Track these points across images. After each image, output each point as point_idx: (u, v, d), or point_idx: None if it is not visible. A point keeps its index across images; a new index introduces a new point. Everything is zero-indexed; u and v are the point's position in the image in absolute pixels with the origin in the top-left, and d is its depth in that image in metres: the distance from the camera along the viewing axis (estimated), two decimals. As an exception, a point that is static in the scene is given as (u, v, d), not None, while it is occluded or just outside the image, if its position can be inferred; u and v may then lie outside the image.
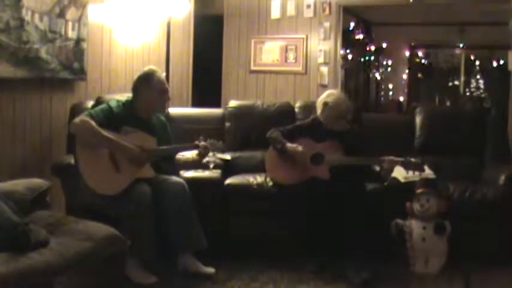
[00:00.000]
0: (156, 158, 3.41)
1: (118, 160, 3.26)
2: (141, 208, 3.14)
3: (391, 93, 11.20)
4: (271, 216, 3.70)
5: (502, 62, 9.99)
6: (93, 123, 3.22)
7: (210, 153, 3.49)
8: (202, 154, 3.47)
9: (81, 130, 3.24)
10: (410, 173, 3.50)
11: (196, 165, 3.68)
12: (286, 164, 3.67)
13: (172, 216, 3.24)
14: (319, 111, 3.80)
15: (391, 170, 3.54)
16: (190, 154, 3.64)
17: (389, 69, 11.15)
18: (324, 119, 3.77)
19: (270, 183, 3.73)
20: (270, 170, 3.74)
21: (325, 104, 3.75)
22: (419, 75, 11.38)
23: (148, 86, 3.41)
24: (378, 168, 3.57)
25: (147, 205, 3.17)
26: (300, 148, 3.62)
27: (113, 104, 3.42)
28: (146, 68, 3.54)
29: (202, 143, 3.42)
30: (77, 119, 3.28)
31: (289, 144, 3.65)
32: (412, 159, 3.50)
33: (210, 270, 3.32)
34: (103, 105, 3.44)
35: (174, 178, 3.38)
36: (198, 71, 6.04)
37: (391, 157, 3.50)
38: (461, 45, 10.55)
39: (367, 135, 3.93)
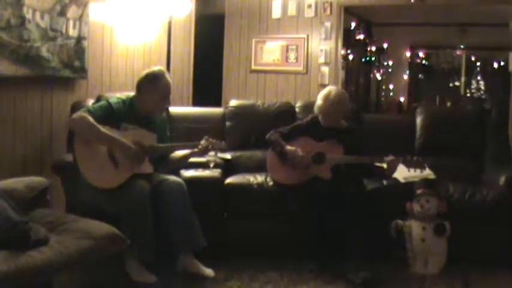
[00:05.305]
0: (155, 155, 3.39)
1: (116, 156, 3.25)
2: (140, 202, 3.12)
3: (391, 93, 11.19)
4: (271, 215, 3.70)
5: (502, 63, 9.99)
6: (91, 119, 3.19)
7: (212, 152, 3.48)
8: (202, 151, 3.45)
9: (80, 126, 3.22)
10: (412, 170, 3.49)
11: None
12: (287, 164, 3.66)
13: (171, 216, 3.23)
14: (320, 102, 3.75)
15: (395, 169, 3.53)
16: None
17: (390, 69, 11.14)
18: (326, 110, 3.72)
19: (271, 183, 3.72)
20: (271, 170, 3.74)
21: (329, 93, 3.73)
22: (419, 76, 11.37)
23: (153, 87, 3.36)
24: (384, 165, 3.54)
25: (146, 200, 3.15)
26: (299, 153, 3.61)
27: (113, 100, 3.40)
28: (156, 68, 3.48)
29: (203, 142, 3.38)
30: (75, 115, 3.27)
31: (288, 147, 3.65)
32: (414, 157, 3.50)
33: (210, 272, 3.31)
34: (102, 102, 3.43)
35: (173, 178, 3.36)
36: (199, 71, 6.04)
37: (392, 156, 3.49)
38: (462, 46, 10.54)
39: (368, 136, 3.92)
